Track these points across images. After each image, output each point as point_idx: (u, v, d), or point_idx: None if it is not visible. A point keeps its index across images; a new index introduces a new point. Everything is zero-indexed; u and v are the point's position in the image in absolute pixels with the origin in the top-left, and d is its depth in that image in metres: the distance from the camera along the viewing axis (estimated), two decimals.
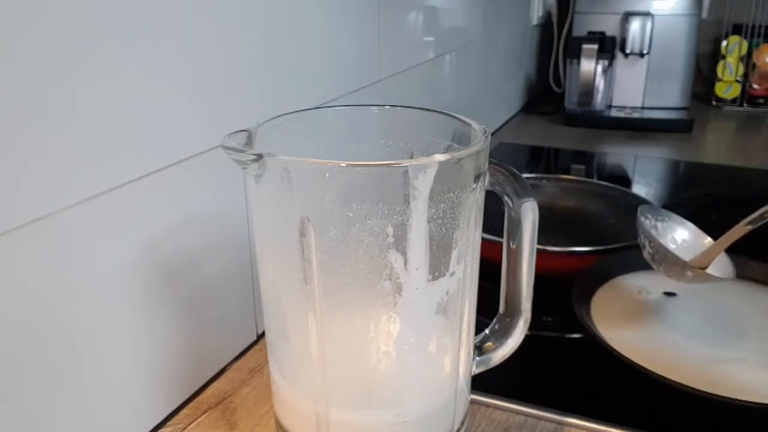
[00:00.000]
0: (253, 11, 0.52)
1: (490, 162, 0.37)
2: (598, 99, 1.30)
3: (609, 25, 1.32)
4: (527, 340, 0.61)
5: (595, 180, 0.88)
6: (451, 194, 0.35)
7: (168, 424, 0.48)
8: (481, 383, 0.52)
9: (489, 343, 0.43)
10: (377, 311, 0.35)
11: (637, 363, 0.49)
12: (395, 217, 0.33)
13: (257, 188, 0.35)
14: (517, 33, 1.36)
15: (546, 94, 1.55)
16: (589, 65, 1.27)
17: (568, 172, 1.08)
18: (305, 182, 0.34)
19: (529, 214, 0.39)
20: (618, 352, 0.51)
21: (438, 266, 0.36)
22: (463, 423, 0.42)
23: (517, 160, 1.14)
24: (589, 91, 1.29)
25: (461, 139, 0.38)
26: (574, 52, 1.29)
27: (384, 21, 0.75)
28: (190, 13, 0.46)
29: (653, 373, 0.48)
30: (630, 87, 1.34)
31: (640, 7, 1.30)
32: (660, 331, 0.57)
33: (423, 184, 0.33)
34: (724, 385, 0.49)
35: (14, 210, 0.35)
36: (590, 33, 1.33)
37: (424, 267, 0.35)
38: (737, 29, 1.43)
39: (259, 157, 0.34)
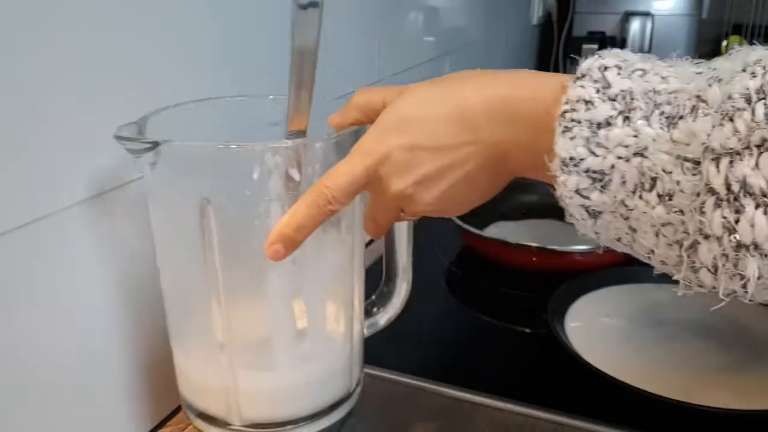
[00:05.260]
0: (253, 12, 0.52)
1: None
2: None
3: (609, 25, 1.33)
4: (526, 338, 0.61)
5: None
6: None
7: (168, 424, 0.48)
8: (480, 383, 0.52)
9: (376, 308, 0.46)
10: (276, 282, 0.37)
11: (614, 378, 0.50)
12: (289, 193, 0.35)
13: (153, 176, 0.36)
14: (517, 33, 1.36)
15: None
16: None
17: None
18: (202, 166, 0.35)
19: None
20: (598, 370, 0.51)
21: (329, 237, 0.38)
22: (358, 383, 0.44)
23: None
24: None
25: None
26: (574, 52, 1.29)
27: (384, 21, 0.75)
28: (192, 14, 0.46)
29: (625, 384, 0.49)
30: None
31: (640, 8, 1.30)
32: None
33: (310, 162, 0.36)
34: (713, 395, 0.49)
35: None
36: (590, 33, 1.33)
37: (317, 238, 0.37)
38: (737, 29, 1.43)
39: (155, 144, 0.34)
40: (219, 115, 0.43)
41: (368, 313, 0.45)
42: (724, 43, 1.43)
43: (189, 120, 0.41)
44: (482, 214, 0.80)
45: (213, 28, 0.48)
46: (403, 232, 0.44)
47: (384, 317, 0.46)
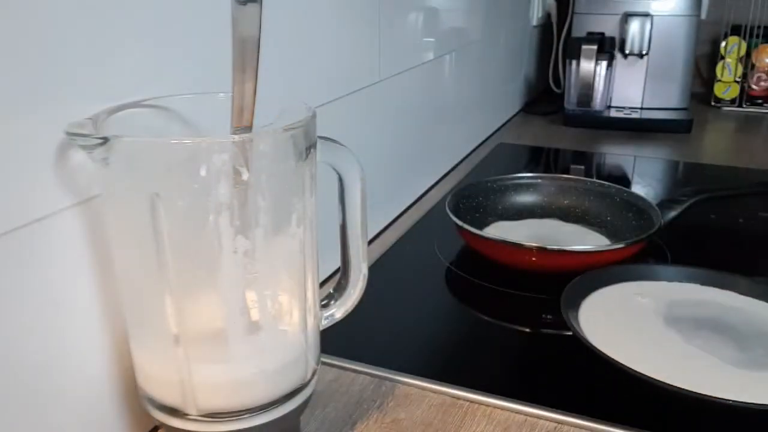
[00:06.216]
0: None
1: (319, 137, 0.40)
2: (598, 99, 1.30)
3: (608, 26, 1.33)
4: (526, 337, 0.61)
5: (587, 178, 0.88)
6: (286, 165, 0.38)
7: None
8: (480, 382, 0.53)
9: (333, 301, 0.46)
10: (228, 275, 0.37)
11: (627, 366, 0.50)
12: (237, 185, 0.36)
13: (105, 172, 0.36)
14: (516, 34, 1.36)
15: (546, 94, 1.55)
16: (588, 66, 1.27)
17: (567, 173, 1.08)
18: (152, 161, 0.35)
19: (357, 183, 0.43)
20: (611, 358, 0.51)
21: (280, 229, 0.39)
22: (314, 374, 0.44)
23: (517, 160, 1.14)
24: (588, 91, 1.29)
25: (291, 116, 0.40)
26: (573, 53, 1.29)
27: (384, 22, 0.75)
28: (192, 14, 0.46)
29: (639, 373, 0.49)
30: (629, 87, 1.35)
31: (640, 8, 1.30)
32: (651, 332, 0.57)
33: (257, 157, 0.36)
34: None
35: None
36: (590, 33, 1.33)
37: (267, 231, 0.37)
38: (736, 30, 1.43)
39: (105, 140, 0.34)
40: (187, 111, 0.44)
41: (326, 306, 0.46)
42: (723, 43, 1.44)
43: (143, 121, 0.41)
44: (482, 214, 0.80)
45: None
46: (357, 223, 0.44)
47: (341, 310, 0.46)
